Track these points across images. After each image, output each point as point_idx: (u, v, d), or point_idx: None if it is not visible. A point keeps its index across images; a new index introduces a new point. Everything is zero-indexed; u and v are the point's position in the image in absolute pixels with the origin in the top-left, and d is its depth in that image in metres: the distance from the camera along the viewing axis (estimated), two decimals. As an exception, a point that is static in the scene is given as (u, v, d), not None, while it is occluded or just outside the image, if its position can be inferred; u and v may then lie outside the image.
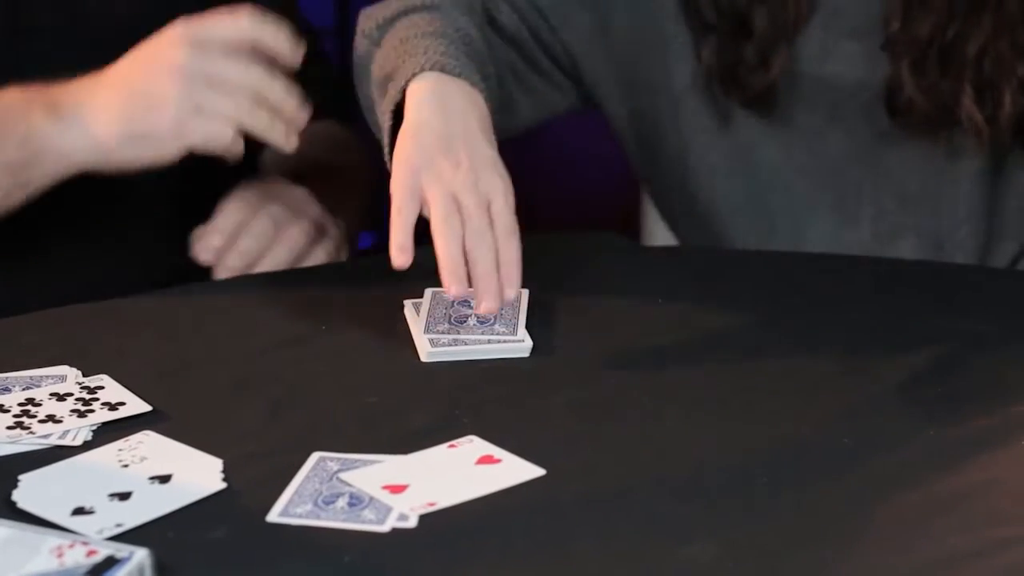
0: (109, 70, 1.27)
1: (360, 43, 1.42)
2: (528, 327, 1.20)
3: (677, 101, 1.49)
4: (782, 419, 1.08)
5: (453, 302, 1.22)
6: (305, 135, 1.38)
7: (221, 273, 1.36)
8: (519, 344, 1.18)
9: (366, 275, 1.37)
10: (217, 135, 1.24)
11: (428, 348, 1.16)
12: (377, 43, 1.38)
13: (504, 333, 1.19)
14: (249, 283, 1.34)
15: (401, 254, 1.17)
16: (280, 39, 1.26)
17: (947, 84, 1.39)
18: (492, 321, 1.20)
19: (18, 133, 1.26)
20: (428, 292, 1.24)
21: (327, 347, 1.19)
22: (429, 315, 1.21)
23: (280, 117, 1.26)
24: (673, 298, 1.28)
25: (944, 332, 1.21)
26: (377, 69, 1.35)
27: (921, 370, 1.15)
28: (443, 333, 1.19)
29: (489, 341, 1.18)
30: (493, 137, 1.24)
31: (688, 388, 1.13)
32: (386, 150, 1.27)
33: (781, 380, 1.14)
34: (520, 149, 2.18)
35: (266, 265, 1.37)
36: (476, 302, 1.17)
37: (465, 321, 1.20)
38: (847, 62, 1.44)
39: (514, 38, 1.48)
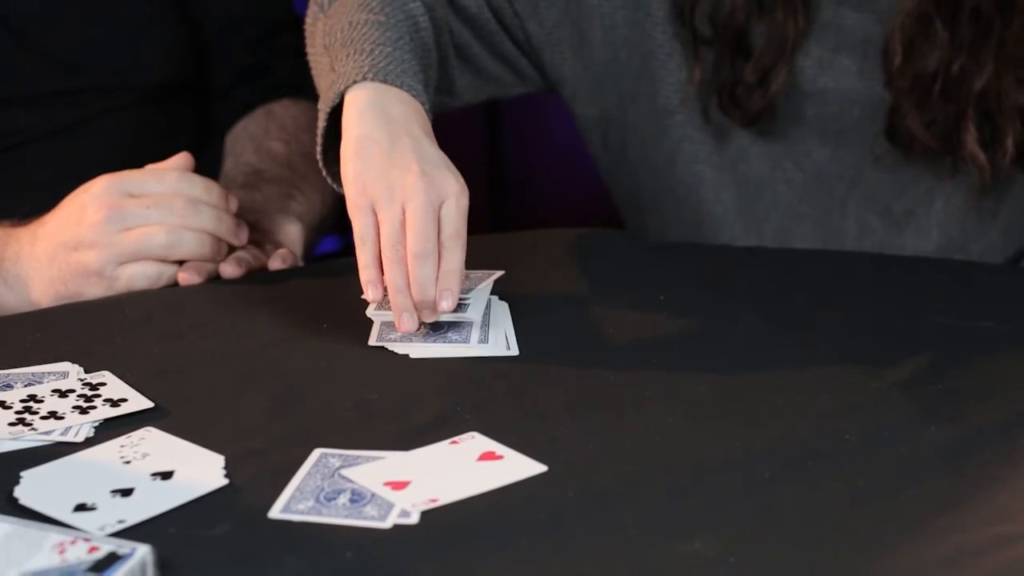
0: (45, 223, 1.32)
1: (311, 11, 1.43)
2: (530, 322, 1.20)
3: (662, 111, 1.48)
4: (783, 415, 1.08)
5: None
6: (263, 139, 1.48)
7: (226, 270, 1.35)
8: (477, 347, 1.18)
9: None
10: (150, 279, 1.30)
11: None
12: (325, 9, 1.39)
13: (457, 341, 1.19)
14: (251, 280, 1.34)
15: (373, 290, 1.18)
16: (211, 194, 1.32)
17: (950, 118, 1.38)
18: (445, 329, 1.20)
19: None
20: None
21: (328, 344, 1.19)
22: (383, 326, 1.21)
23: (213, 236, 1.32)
24: (675, 294, 1.28)
25: (945, 329, 1.21)
26: (321, 39, 1.35)
27: (922, 367, 1.15)
28: (396, 341, 1.19)
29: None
30: (435, 142, 1.24)
31: (689, 384, 1.13)
32: (319, 149, 1.27)
33: (782, 376, 1.14)
34: (521, 146, 2.18)
35: None
36: (399, 316, 1.17)
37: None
38: (841, 78, 1.42)
39: (473, 18, 1.47)
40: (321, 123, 1.27)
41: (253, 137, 1.59)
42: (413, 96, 1.26)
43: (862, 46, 1.41)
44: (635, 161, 1.53)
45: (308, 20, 1.43)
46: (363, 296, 1.18)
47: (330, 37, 1.33)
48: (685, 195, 1.50)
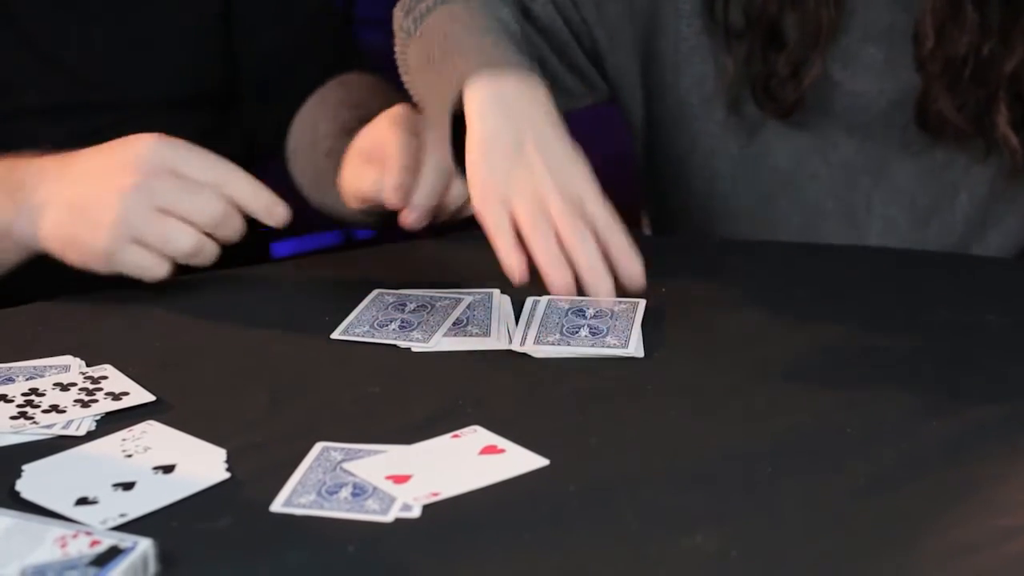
0: (77, 161, 1.26)
1: (399, 39, 1.41)
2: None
3: (682, 103, 1.48)
4: (785, 409, 1.08)
5: (567, 311, 1.20)
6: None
7: (410, 217, 1.29)
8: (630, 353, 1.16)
9: (367, 265, 1.37)
10: (145, 270, 1.23)
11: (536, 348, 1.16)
12: (412, 33, 1.37)
13: (616, 345, 1.16)
14: (252, 274, 1.34)
15: (520, 270, 1.15)
16: (258, 200, 1.24)
17: (981, 100, 1.38)
18: (604, 332, 1.17)
19: None
20: (532, 300, 1.22)
21: (330, 337, 1.19)
22: (541, 324, 1.19)
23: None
24: (676, 287, 1.28)
25: (947, 323, 1.21)
26: (415, 57, 1.34)
27: (924, 361, 1.15)
28: (554, 344, 1.16)
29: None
30: (562, 126, 1.22)
31: (691, 378, 1.13)
32: (451, 155, 1.25)
33: (784, 370, 1.14)
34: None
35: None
36: (593, 294, 1.14)
37: (577, 332, 1.18)
38: (870, 68, 1.43)
39: (547, 28, 1.47)
40: (446, 130, 1.24)
41: (326, 99, 1.55)
42: (530, 78, 1.23)
43: (888, 34, 1.41)
44: (659, 157, 1.53)
45: (397, 48, 1.41)
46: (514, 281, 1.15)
47: (428, 52, 1.31)
48: (704, 190, 1.51)
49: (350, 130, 1.40)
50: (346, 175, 1.33)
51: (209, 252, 1.23)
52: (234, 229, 1.23)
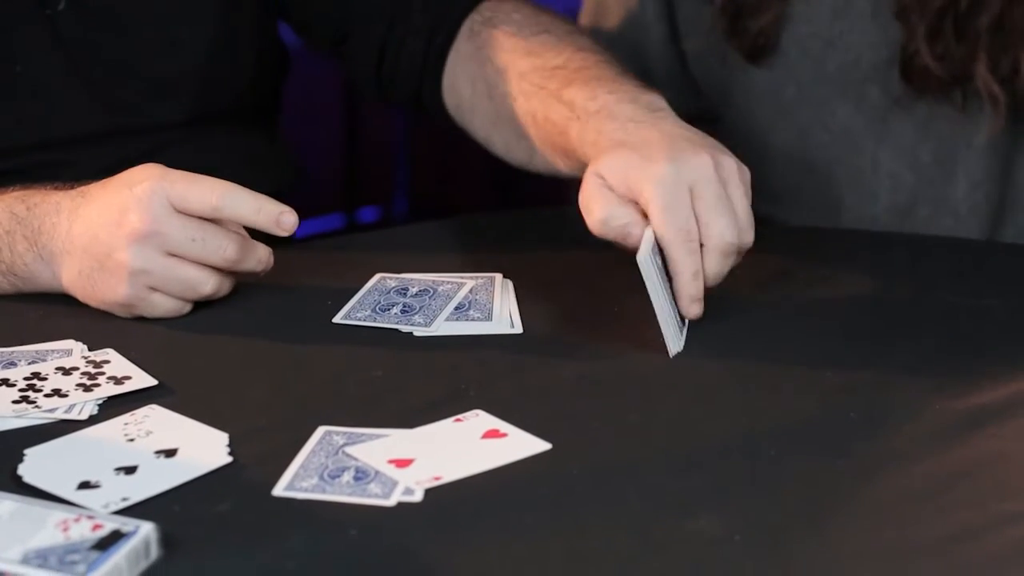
0: (89, 200, 1.22)
1: None
2: (533, 300, 1.20)
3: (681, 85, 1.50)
4: (788, 393, 1.08)
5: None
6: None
7: None
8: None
9: (370, 249, 1.37)
10: (169, 312, 1.20)
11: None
12: None
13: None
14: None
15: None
16: (262, 216, 1.19)
17: (962, 51, 1.39)
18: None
19: (5, 265, 1.24)
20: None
21: (332, 321, 1.19)
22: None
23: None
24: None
25: (951, 307, 1.21)
26: None
27: (927, 345, 1.15)
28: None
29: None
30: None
31: (694, 362, 1.13)
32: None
33: (787, 354, 1.14)
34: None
35: None
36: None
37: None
38: (857, 21, 1.44)
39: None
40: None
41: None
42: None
43: None
44: None
45: None
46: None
47: None
48: None
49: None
50: (590, 193, 1.21)
51: (228, 286, 1.21)
52: (258, 260, 1.21)
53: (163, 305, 1.19)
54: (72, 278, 1.21)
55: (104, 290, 1.19)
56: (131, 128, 1.43)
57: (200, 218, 1.18)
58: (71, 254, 1.21)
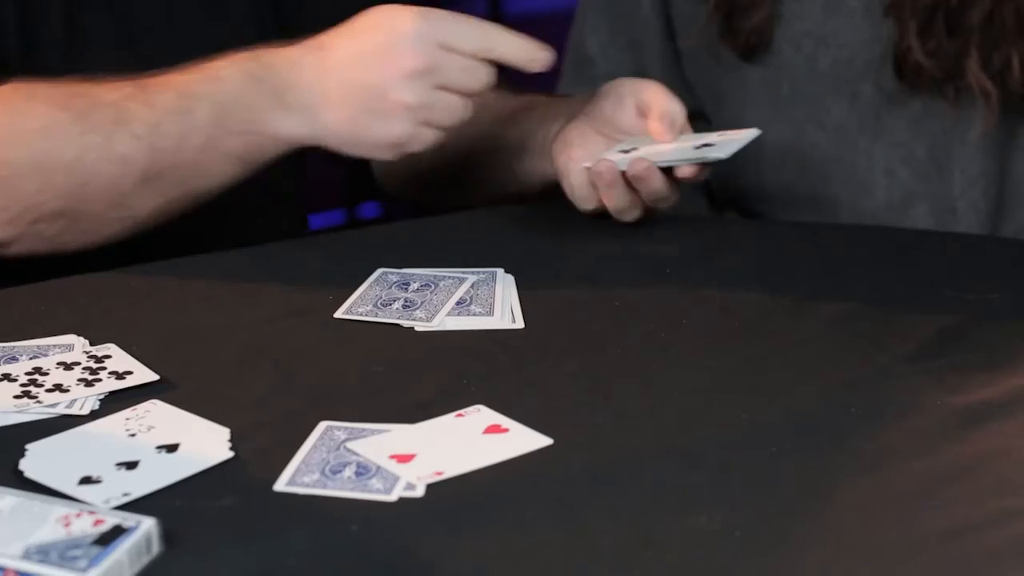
0: (332, 49, 1.24)
1: None
2: (535, 295, 1.20)
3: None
4: (788, 389, 1.08)
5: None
6: None
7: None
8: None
9: (371, 244, 1.37)
10: (432, 144, 1.25)
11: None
12: None
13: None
14: (255, 253, 1.34)
15: None
16: (523, 52, 1.24)
17: (953, 47, 1.39)
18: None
19: (245, 125, 1.24)
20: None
21: (333, 317, 1.19)
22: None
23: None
24: (680, 268, 1.28)
25: (951, 302, 1.21)
26: None
27: (928, 340, 1.15)
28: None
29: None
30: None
31: (695, 358, 1.13)
32: None
33: (787, 349, 1.14)
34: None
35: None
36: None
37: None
38: (849, 18, 1.44)
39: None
40: None
41: None
42: None
43: None
44: None
45: None
46: None
47: None
48: (713, 168, 1.52)
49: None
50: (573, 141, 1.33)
51: (475, 110, 1.26)
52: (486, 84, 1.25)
53: (430, 138, 1.24)
54: (335, 126, 1.24)
55: (379, 132, 1.23)
56: None
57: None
58: (334, 103, 1.23)
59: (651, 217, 1.33)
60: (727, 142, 1.30)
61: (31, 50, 1.38)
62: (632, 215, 1.33)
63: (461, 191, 1.50)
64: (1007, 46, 1.39)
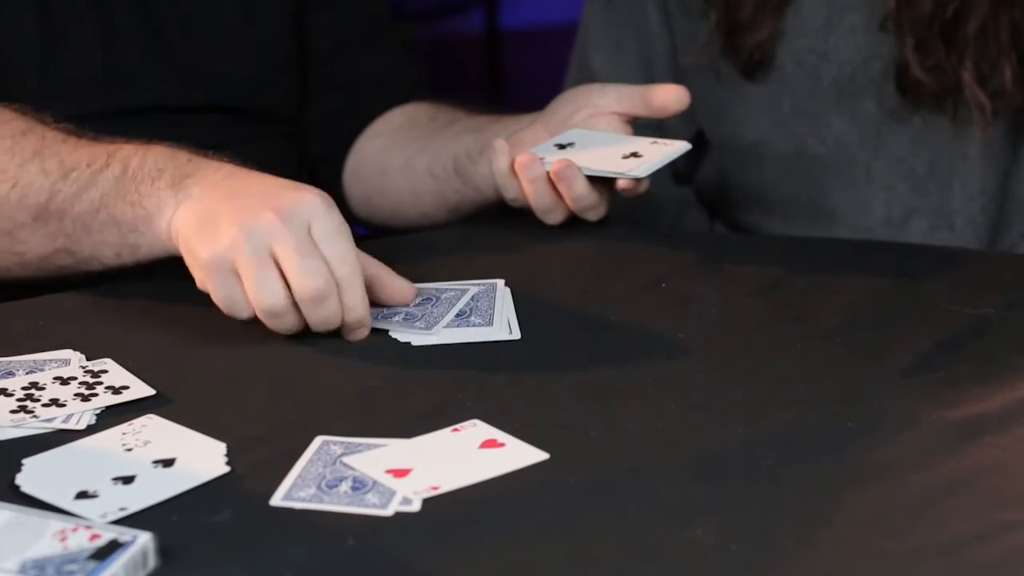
0: (247, 174, 1.19)
1: None
2: (532, 308, 1.20)
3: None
4: (785, 402, 1.08)
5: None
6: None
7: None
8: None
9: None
10: (232, 304, 1.15)
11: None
12: None
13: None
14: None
15: None
16: (393, 288, 1.19)
17: (951, 61, 1.40)
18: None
19: (138, 196, 1.20)
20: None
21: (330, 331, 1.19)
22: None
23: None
24: (677, 281, 1.28)
25: (948, 316, 1.21)
26: None
27: (925, 354, 1.15)
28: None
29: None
30: None
31: (691, 371, 1.13)
32: None
33: (784, 363, 1.14)
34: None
35: None
36: None
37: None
38: (850, 35, 1.45)
39: None
40: None
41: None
42: None
43: (869, 2, 1.44)
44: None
45: None
46: None
47: None
48: (713, 179, 1.52)
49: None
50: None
51: (289, 323, 1.15)
52: (328, 323, 1.15)
53: (232, 293, 1.14)
54: (180, 223, 1.17)
55: (197, 245, 1.15)
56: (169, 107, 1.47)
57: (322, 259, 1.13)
58: (199, 201, 1.16)
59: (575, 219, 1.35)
60: (654, 157, 1.30)
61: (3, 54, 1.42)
62: (555, 218, 1.34)
63: (427, 211, 1.53)
64: (1001, 58, 1.40)
